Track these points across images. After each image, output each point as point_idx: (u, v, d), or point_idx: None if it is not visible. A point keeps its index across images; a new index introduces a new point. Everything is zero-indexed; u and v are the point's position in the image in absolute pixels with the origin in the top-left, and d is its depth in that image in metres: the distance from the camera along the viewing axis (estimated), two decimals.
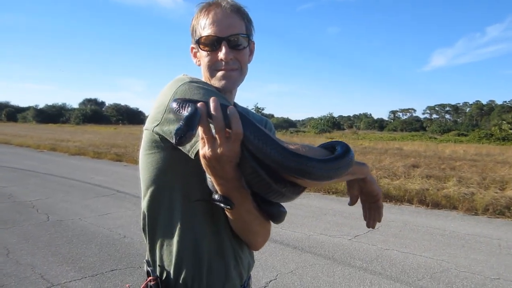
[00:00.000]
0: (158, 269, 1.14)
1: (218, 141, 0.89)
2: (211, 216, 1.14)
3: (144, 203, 1.16)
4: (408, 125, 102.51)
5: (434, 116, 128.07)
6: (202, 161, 0.95)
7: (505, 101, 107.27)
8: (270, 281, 3.96)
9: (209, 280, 1.13)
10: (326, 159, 0.95)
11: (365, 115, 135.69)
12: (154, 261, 1.16)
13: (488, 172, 11.03)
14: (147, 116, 1.19)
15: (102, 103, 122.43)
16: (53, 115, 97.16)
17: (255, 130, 0.90)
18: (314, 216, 6.70)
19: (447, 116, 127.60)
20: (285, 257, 4.62)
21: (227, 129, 0.89)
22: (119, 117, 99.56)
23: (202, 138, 0.91)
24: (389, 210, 7.30)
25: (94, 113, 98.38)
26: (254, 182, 0.96)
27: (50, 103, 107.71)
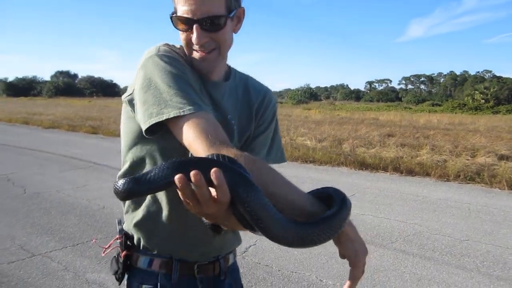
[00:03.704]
0: (124, 229, 1.23)
1: (204, 206, 0.76)
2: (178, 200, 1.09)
3: (121, 170, 1.18)
4: (384, 95, 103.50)
5: (410, 86, 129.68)
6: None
7: (478, 72, 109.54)
8: (250, 246, 4.06)
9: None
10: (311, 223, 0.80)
11: (342, 86, 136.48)
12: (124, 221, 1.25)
13: (460, 140, 11.36)
14: (122, 88, 1.15)
15: (75, 75, 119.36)
16: (23, 88, 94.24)
17: (246, 187, 0.74)
18: None
19: (422, 86, 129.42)
20: None
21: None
22: (93, 89, 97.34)
23: (185, 200, 0.78)
24: (365, 178, 7.49)
25: (67, 86, 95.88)
26: (244, 223, 0.84)
27: (20, 76, 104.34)
